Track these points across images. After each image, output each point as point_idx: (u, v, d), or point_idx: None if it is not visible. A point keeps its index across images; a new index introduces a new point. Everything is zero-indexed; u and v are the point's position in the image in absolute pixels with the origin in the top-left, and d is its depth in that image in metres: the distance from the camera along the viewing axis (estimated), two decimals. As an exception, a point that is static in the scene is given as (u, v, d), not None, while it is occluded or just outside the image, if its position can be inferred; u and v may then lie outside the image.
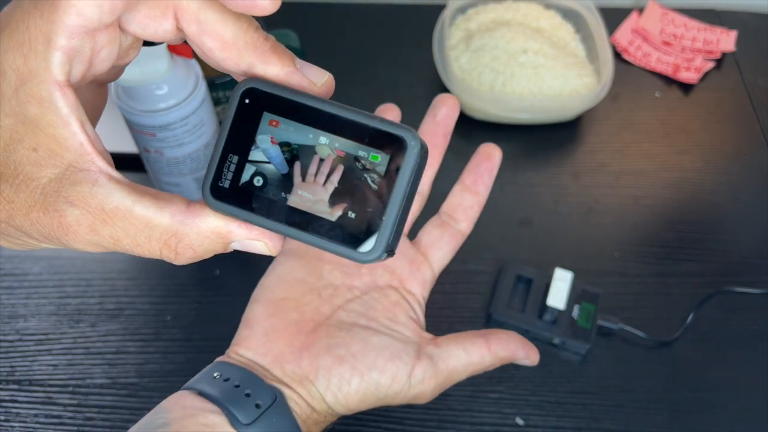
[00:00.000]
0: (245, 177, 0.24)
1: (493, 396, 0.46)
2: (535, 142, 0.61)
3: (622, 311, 0.50)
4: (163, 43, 0.24)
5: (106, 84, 0.27)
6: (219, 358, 0.36)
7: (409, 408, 0.45)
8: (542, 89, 0.60)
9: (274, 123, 0.23)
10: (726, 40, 0.68)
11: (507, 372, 0.47)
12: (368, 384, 0.35)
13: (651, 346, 0.48)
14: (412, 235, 0.42)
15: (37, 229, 0.23)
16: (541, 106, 0.60)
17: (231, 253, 0.26)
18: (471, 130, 0.60)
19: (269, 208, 0.24)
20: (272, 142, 0.23)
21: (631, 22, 0.70)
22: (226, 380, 0.33)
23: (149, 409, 0.33)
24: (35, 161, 0.22)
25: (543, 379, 0.47)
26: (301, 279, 0.38)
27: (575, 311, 0.48)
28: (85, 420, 0.45)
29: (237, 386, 0.33)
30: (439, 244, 0.41)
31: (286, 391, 0.34)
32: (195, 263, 0.25)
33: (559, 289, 0.48)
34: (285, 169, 0.23)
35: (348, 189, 0.23)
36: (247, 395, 0.32)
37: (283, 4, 0.23)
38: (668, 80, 0.66)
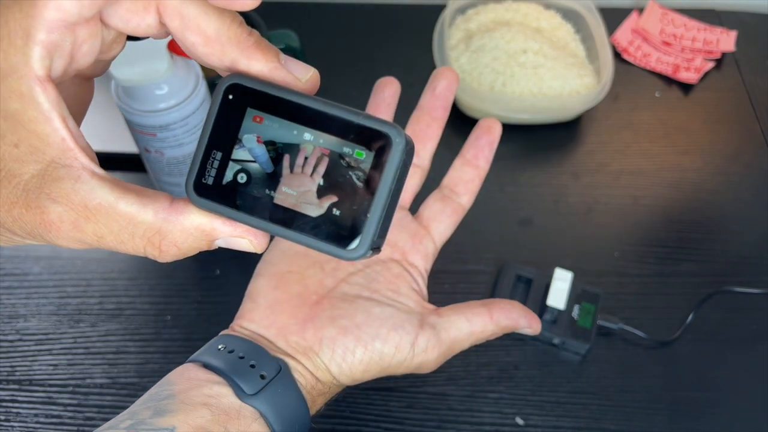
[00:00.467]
0: (229, 174, 0.23)
1: (493, 396, 0.46)
2: (535, 142, 0.61)
3: (622, 311, 0.50)
4: (147, 38, 0.24)
5: (91, 79, 0.26)
6: (223, 331, 0.36)
7: (409, 408, 0.45)
8: (542, 89, 0.60)
9: (258, 119, 0.23)
10: (726, 40, 0.68)
11: (507, 372, 0.47)
12: (372, 354, 0.35)
13: (651, 346, 0.48)
14: (414, 209, 0.42)
15: (19, 226, 0.23)
16: (541, 106, 0.60)
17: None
18: (471, 129, 0.60)
19: (254, 206, 0.23)
20: (258, 141, 0.23)
21: (631, 22, 0.70)
22: (231, 352, 0.33)
23: (149, 409, 0.33)
24: (17, 157, 0.22)
25: (543, 379, 0.47)
26: (303, 253, 0.38)
27: (575, 311, 0.48)
28: (85, 420, 0.45)
29: (242, 357, 0.33)
30: (441, 218, 0.41)
31: (291, 363, 0.34)
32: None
33: (559, 289, 0.48)
34: (270, 168, 0.23)
35: (333, 186, 0.23)
36: (252, 366, 0.32)
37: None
38: (668, 80, 0.66)
